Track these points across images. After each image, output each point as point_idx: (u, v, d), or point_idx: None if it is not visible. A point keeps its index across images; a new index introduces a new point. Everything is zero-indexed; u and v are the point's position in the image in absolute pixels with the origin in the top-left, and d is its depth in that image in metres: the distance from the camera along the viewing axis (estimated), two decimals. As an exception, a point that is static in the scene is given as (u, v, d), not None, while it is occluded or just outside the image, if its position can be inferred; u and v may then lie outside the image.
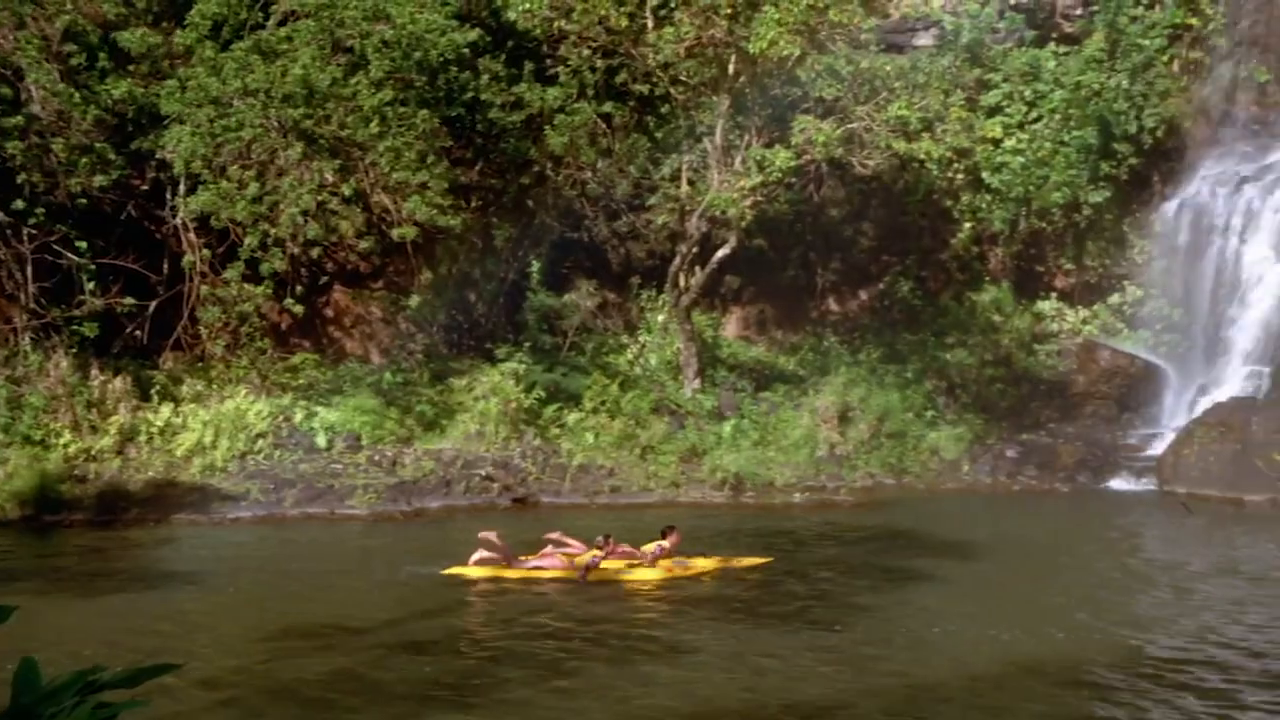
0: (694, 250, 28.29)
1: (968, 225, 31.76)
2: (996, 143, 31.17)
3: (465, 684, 12.84)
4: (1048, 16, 32.99)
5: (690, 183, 28.25)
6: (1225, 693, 12.53)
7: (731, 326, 32.17)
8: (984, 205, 31.32)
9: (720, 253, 27.90)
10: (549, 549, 19.02)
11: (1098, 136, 31.04)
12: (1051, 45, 32.53)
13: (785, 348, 31.69)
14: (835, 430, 27.54)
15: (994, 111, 31.71)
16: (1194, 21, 32.19)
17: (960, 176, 31.06)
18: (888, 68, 27.93)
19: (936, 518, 24.12)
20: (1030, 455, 28.64)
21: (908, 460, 27.88)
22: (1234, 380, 29.61)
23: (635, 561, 18.84)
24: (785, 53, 25.80)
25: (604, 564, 18.52)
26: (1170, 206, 31.99)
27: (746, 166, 26.93)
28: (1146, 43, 31.63)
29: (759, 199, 27.24)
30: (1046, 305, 31.90)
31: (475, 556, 18.58)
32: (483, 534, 18.82)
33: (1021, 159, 30.53)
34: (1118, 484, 27.73)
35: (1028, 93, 31.75)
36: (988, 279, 32.23)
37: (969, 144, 29.65)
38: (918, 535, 22.21)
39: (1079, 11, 32.80)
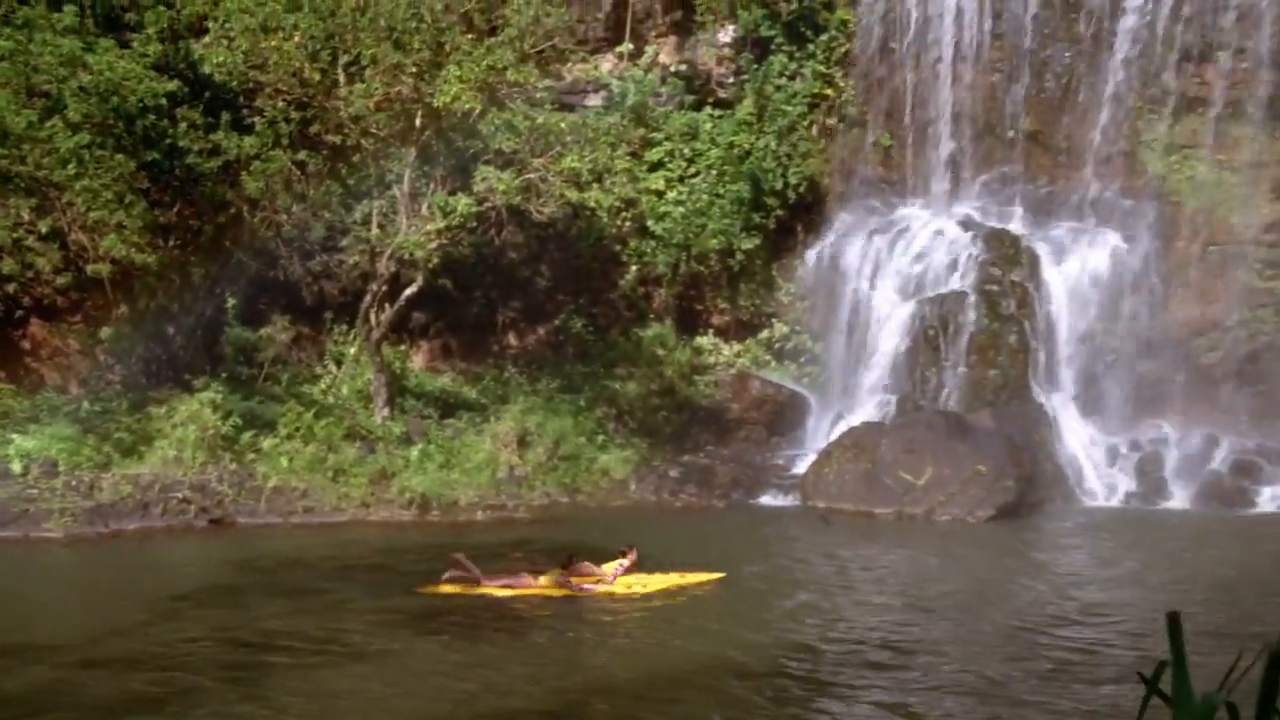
0: (384, 288, 29.73)
1: (634, 268, 34.43)
2: (660, 194, 34.24)
3: (159, 697, 13.33)
4: (704, 83, 36.24)
5: (380, 226, 29.76)
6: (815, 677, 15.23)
7: (419, 358, 33.74)
8: (649, 250, 34.17)
9: (408, 291, 29.46)
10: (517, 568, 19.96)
11: (749, 190, 34.24)
12: (708, 109, 35.75)
13: (469, 378, 33.33)
14: (515, 453, 29.40)
15: (657, 166, 34.74)
16: (830, 92, 35.77)
17: (627, 224, 33.84)
18: (562, 124, 30.11)
19: (607, 531, 25.53)
20: (691, 474, 30.95)
21: (581, 480, 29.83)
22: (866, 407, 32.58)
23: (598, 578, 19.80)
24: (467, 107, 27.84)
25: (574, 579, 19.55)
26: (811, 254, 35.30)
27: (432, 212, 28.85)
28: (790, 109, 35.05)
29: (444, 242, 29.19)
30: (705, 340, 34.67)
31: (446, 575, 19.47)
32: (453, 555, 19.79)
33: (682, 209, 33.74)
34: (767, 499, 30.18)
35: (687, 150, 34.91)
36: (652, 316, 34.81)
37: (635, 195, 32.64)
38: (591, 549, 23.73)
39: (732, 79, 36.16)
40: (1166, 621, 3.49)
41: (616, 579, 19.80)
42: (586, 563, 20.18)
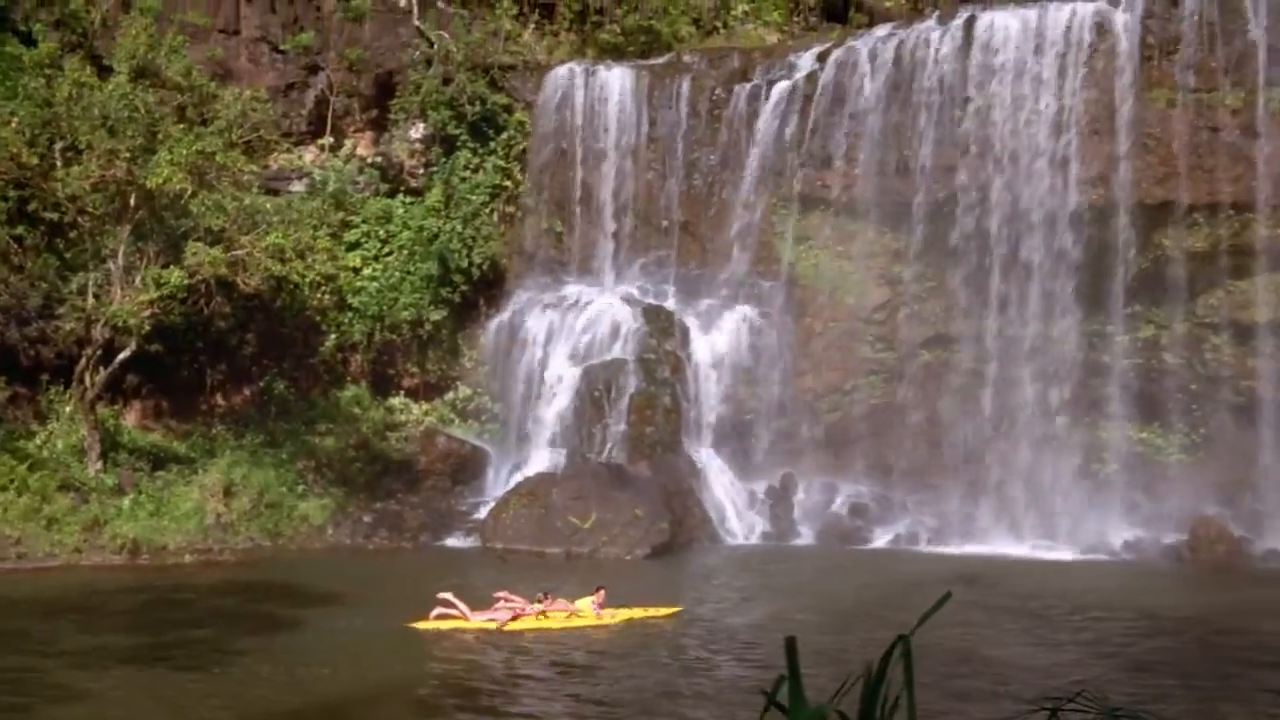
0: (98, 353, 31.44)
1: (333, 336, 36.95)
2: (357, 271, 37.12)
3: None
4: (397, 173, 39.36)
5: (96, 296, 31.30)
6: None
7: (132, 416, 35.28)
8: (346, 320, 36.92)
9: (122, 355, 31.43)
10: (499, 604, 22.03)
11: (437, 268, 37.33)
12: (401, 196, 38.81)
13: (179, 434, 35.13)
14: (221, 502, 31.42)
15: (355, 246, 37.62)
16: (509, 184, 39.32)
17: (327, 296, 36.41)
18: (268, 205, 33.07)
19: (305, 573, 28.03)
20: (383, 520, 33.72)
21: (282, 526, 32.06)
22: (540, 459, 35.51)
23: (573, 612, 22.20)
24: (178, 189, 30.43)
25: (550, 613, 21.96)
26: (493, 324, 38.42)
27: (145, 284, 30.85)
28: (474, 198, 38.44)
29: (156, 311, 31.11)
30: (397, 401, 37.43)
31: (435, 612, 21.51)
32: (441, 595, 21.74)
33: (377, 284, 36.79)
34: (452, 541, 33.18)
35: (382, 232, 37.87)
36: (349, 379, 37.34)
37: (334, 271, 35.38)
38: (290, 588, 26.11)
39: (422, 170, 39.37)
40: (785, 644, 3.74)
41: (589, 611, 22.46)
42: (562, 600, 22.65)
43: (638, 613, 23.17)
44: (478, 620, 21.95)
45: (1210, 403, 35.06)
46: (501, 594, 22.65)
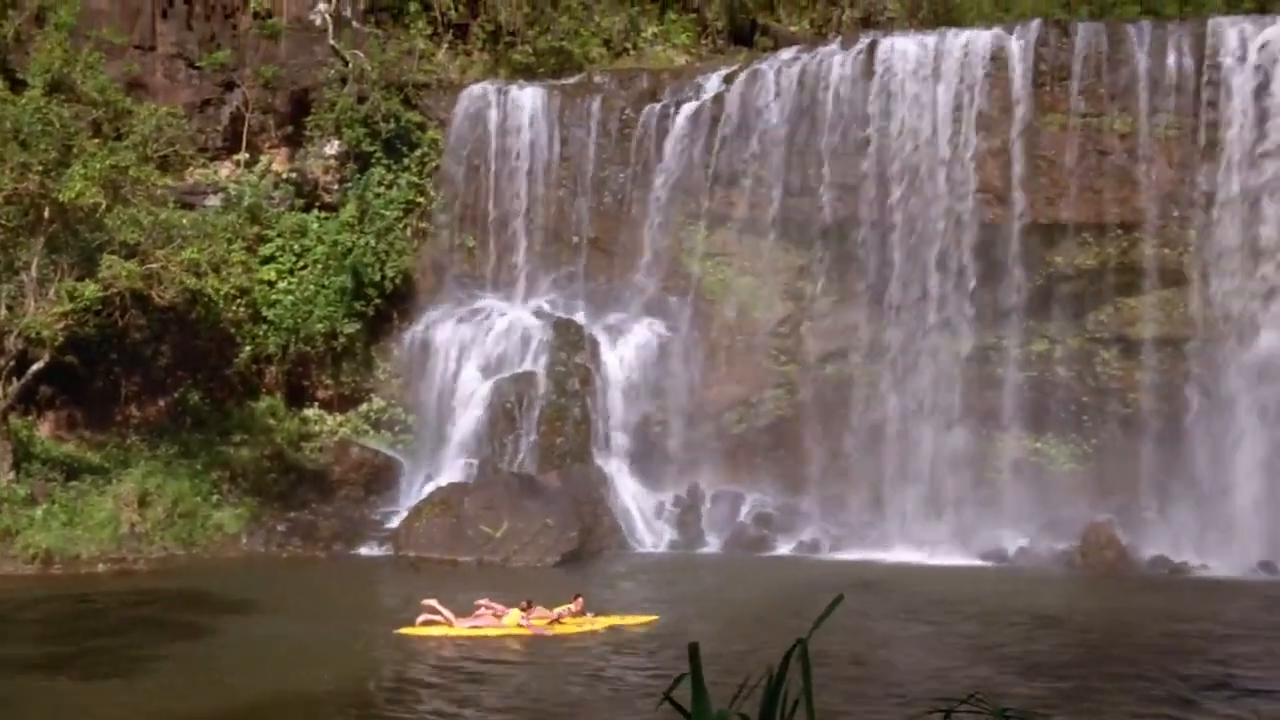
0: (11, 364, 31.41)
1: (248, 348, 37.08)
2: (271, 284, 37.34)
3: None
4: (313, 189, 39.69)
5: (9, 308, 31.24)
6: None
7: (46, 427, 35.29)
8: (261, 333, 37.09)
9: (35, 367, 31.45)
10: (481, 611, 22.49)
11: (351, 282, 37.66)
12: (316, 211, 39.13)
13: (93, 445, 35.12)
14: (135, 512, 31.49)
15: (269, 260, 37.84)
16: (422, 200, 39.86)
17: (243, 309, 36.58)
18: (183, 220, 33.23)
19: (219, 581, 28.29)
20: (297, 529, 33.99)
21: (197, 535, 32.26)
22: (452, 470, 35.89)
23: (554, 618, 22.60)
24: (92, 202, 30.59)
25: (534, 620, 22.35)
26: (406, 337, 38.86)
27: (60, 296, 30.92)
28: (388, 213, 38.84)
29: (70, 323, 31.20)
30: (311, 412, 37.75)
31: (421, 619, 21.90)
32: (426, 601, 22.13)
33: (291, 298, 37.04)
34: (365, 550, 33.44)
35: (297, 247, 38.11)
36: (264, 391, 37.53)
37: (249, 284, 35.72)
38: (204, 596, 26.32)
39: (337, 186, 39.68)
40: (689, 650, 3.80)
41: (568, 618, 23.08)
42: (540, 607, 23.13)
43: (615, 620, 23.75)
44: (462, 627, 22.53)
45: (1100, 414, 36.47)
46: (482, 602, 23.20)
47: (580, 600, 23.83)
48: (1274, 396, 34.25)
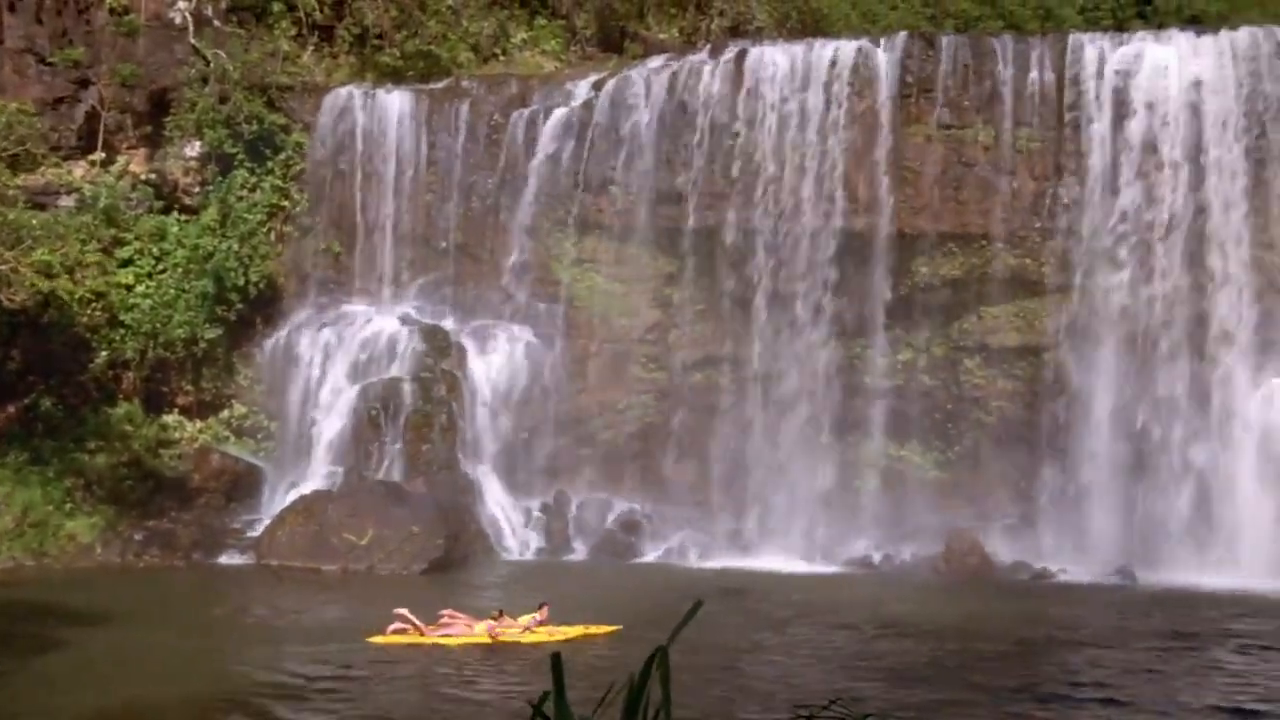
0: None
1: (104, 353, 36.08)
2: (129, 288, 36.44)
3: None
4: (172, 191, 38.69)
5: None
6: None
7: None
8: (118, 338, 36.14)
9: None
10: (445, 620, 22.61)
11: (213, 287, 36.86)
12: (175, 214, 38.15)
13: None
14: None
15: (127, 263, 36.84)
16: (286, 204, 39.19)
17: (98, 313, 35.68)
18: (34, 220, 32.46)
19: (71, 592, 27.78)
20: (154, 538, 33.37)
21: (48, 545, 31.60)
22: (317, 477, 35.59)
23: (522, 627, 22.73)
24: None
25: (500, 629, 22.61)
26: (269, 343, 38.18)
27: None
28: (250, 217, 37.98)
29: None
30: (170, 419, 36.73)
31: (392, 627, 21.73)
32: (397, 610, 22.02)
33: (150, 302, 36.18)
34: (226, 559, 33.17)
35: (156, 250, 37.20)
36: (122, 397, 36.44)
37: (106, 288, 34.99)
38: (53, 607, 25.80)
39: (198, 189, 38.77)
40: (550, 661, 3.90)
41: (534, 628, 23.45)
42: (507, 616, 23.56)
43: (579, 630, 23.92)
44: (432, 636, 22.85)
45: (964, 422, 37.24)
46: (446, 612, 23.64)
47: (546, 609, 24.07)
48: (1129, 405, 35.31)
